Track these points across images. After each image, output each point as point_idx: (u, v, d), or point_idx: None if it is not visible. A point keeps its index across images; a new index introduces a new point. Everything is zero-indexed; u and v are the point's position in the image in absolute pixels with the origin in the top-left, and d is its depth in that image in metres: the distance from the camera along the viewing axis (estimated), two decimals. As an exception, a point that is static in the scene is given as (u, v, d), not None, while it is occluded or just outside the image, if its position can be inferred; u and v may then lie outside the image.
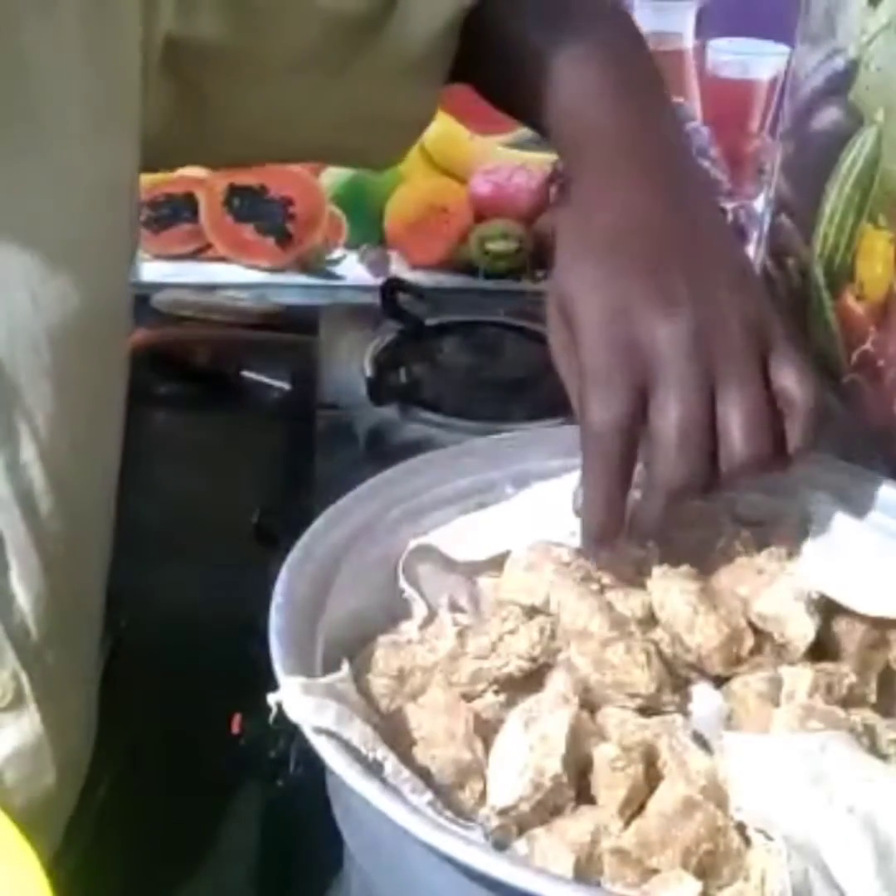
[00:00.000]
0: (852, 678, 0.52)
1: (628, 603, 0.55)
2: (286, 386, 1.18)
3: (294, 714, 0.46)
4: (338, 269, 1.35)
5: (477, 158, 1.30)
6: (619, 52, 0.66)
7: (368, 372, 1.08)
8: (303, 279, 1.35)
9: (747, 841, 0.46)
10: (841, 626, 0.55)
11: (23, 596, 0.61)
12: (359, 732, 0.46)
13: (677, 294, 0.53)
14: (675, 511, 0.54)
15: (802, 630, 0.53)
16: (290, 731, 0.47)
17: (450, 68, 0.73)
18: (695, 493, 0.52)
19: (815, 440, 0.53)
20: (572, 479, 0.55)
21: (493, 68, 0.70)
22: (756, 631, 0.54)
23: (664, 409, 0.51)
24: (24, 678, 0.62)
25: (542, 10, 0.68)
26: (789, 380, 0.53)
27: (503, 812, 0.47)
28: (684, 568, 0.58)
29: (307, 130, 0.73)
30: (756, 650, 0.53)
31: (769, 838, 0.44)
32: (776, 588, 0.54)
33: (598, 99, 0.62)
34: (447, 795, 0.48)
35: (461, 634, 0.53)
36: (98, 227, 0.61)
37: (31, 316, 0.57)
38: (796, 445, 0.53)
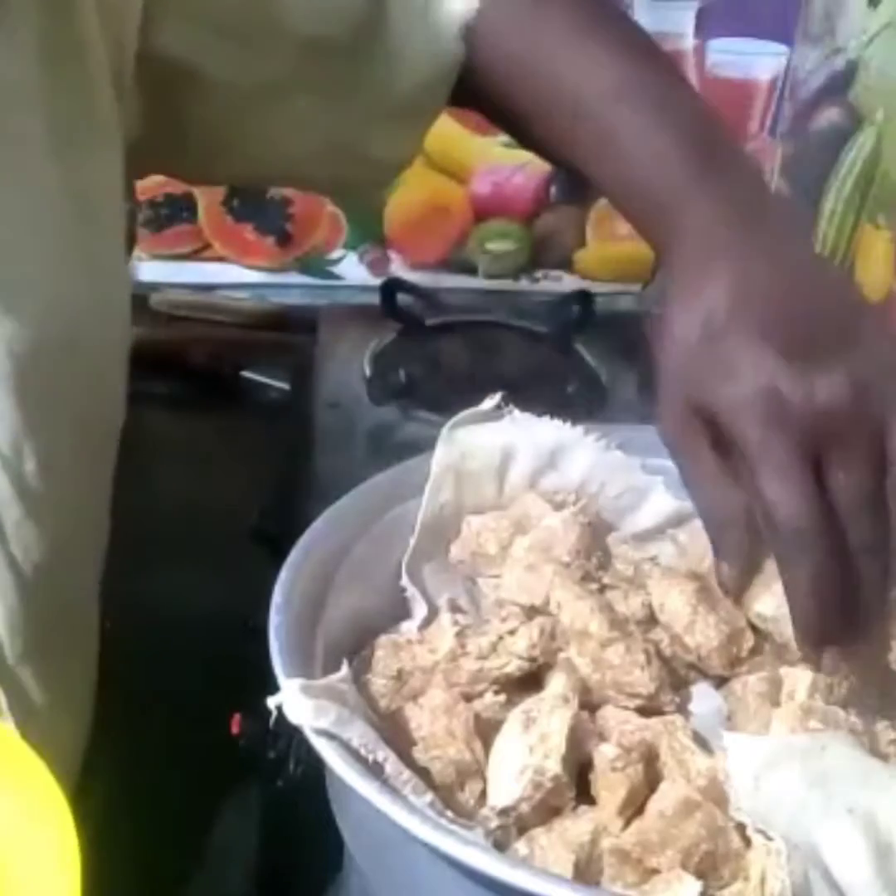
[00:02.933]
0: (852, 678, 0.52)
1: (628, 603, 0.55)
2: (286, 386, 1.18)
3: (294, 716, 0.46)
4: (338, 269, 1.35)
5: (477, 158, 1.30)
6: (667, 83, 0.63)
7: (368, 372, 1.08)
8: (303, 279, 1.35)
9: (747, 841, 0.46)
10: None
11: None
12: (359, 734, 0.46)
13: (820, 358, 0.51)
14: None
15: None
16: (289, 731, 0.47)
17: (437, 113, 0.72)
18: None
19: None
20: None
21: (514, 110, 0.68)
22: (756, 631, 0.54)
23: (847, 474, 0.50)
24: (0, 695, 0.61)
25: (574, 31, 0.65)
26: None
27: (503, 812, 0.47)
28: (684, 568, 0.58)
29: (283, 158, 0.72)
30: (756, 650, 0.53)
31: (769, 838, 0.44)
32: (776, 588, 0.54)
33: (669, 160, 0.59)
34: (447, 796, 0.48)
35: (461, 634, 0.53)
36: (73, 240, 0.60)
37: None
38: None
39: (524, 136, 0.70)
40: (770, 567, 0.56)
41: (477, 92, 0.69)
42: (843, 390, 0.50)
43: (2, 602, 0.60)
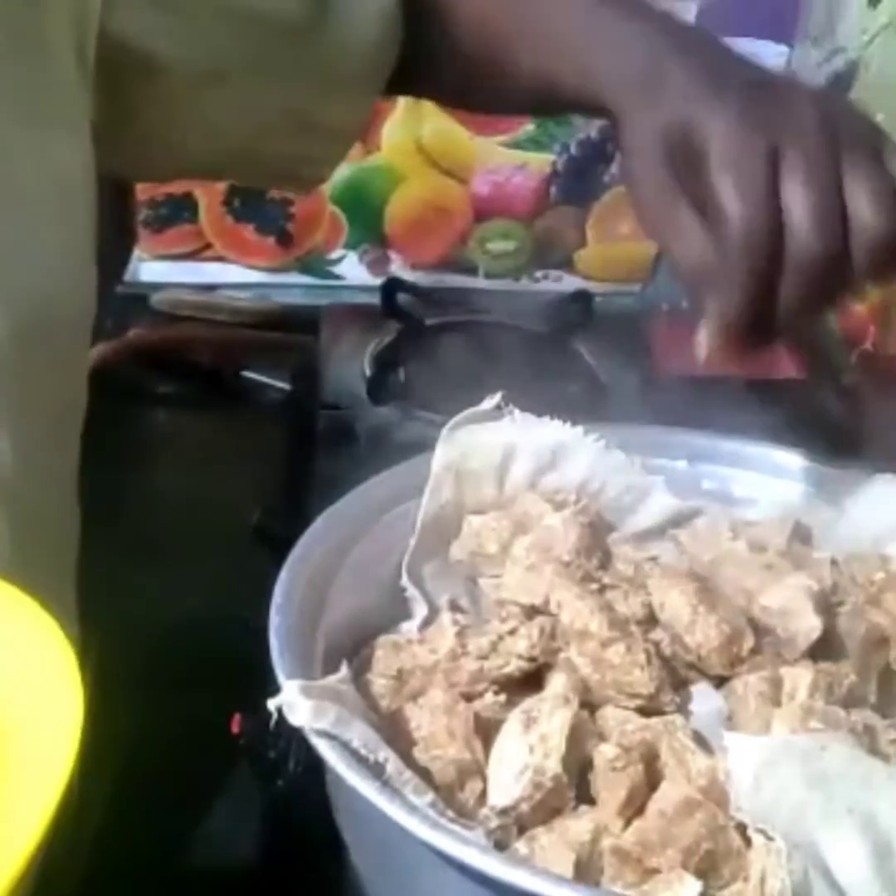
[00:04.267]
0: (852, 678, 0.52)
1: (628, 603, 0.55)
2: (286, 386, 1.17)
3: (294, 717, 0.46)
4: (338, 269, 1.35)
5: (477, 158, 1.30)
6: None
7: (368, 372, 1.08)
8: (303, 279, 1.35)
9: (747, 841, 0.46)
10: (842, 625, 0.55)
11: None
12: (359, 734, 0.46)
13: (775, 96, 0.53)
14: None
15: (808, 626, 0.53)
16: (289, 731, 0.47)
17: (388, 76, 0.71)
18: (829, 272, 0.50)
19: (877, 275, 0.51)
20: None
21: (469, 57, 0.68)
22: (756, 628, 0.54)
23: (799, 183, 0.50)
24: None
25: None
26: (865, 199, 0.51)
27: (503, 812, 0.47)
28: (684, 568, 0.58)
29: (235, 140, 0.71)
30: (756, 650, 0.53)
31: (769, 838, 0.44)
32: (786, 583, 0.55)
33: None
34: (447, 796, 0.48)
35: (461, 634, 0.53)
36: (40, 229, 0.59)
37: None
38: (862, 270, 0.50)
39: (462, 81, 0.70)
40: (780, 564, 0.56)
41: (422, 35, 0.69)
42: (808, 111, 0.52)
43: None
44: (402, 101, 1.26)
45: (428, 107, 1.25)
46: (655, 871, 0.46)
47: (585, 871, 0.46)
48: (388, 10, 0.68)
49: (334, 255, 1.34)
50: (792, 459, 0.65)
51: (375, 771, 0.46)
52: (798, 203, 0.50)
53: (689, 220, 0.52)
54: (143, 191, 1.28)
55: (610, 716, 0.51)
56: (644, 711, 0.51)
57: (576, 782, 0.48)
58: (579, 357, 1.13)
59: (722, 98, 0.53)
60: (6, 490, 0.60)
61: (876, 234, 0.50)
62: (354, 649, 0.54)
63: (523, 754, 0.48)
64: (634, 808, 0.47)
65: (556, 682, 0.51)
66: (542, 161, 1.30)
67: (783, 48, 1.25)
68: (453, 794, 0.48)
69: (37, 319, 0.59)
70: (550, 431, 0.61)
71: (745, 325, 0.51)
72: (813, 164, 0.50)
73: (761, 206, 0.50)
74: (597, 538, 0.59)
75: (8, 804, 0.37)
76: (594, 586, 0.56)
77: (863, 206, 0.50)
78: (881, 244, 0.50)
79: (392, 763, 0.46)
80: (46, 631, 0.43)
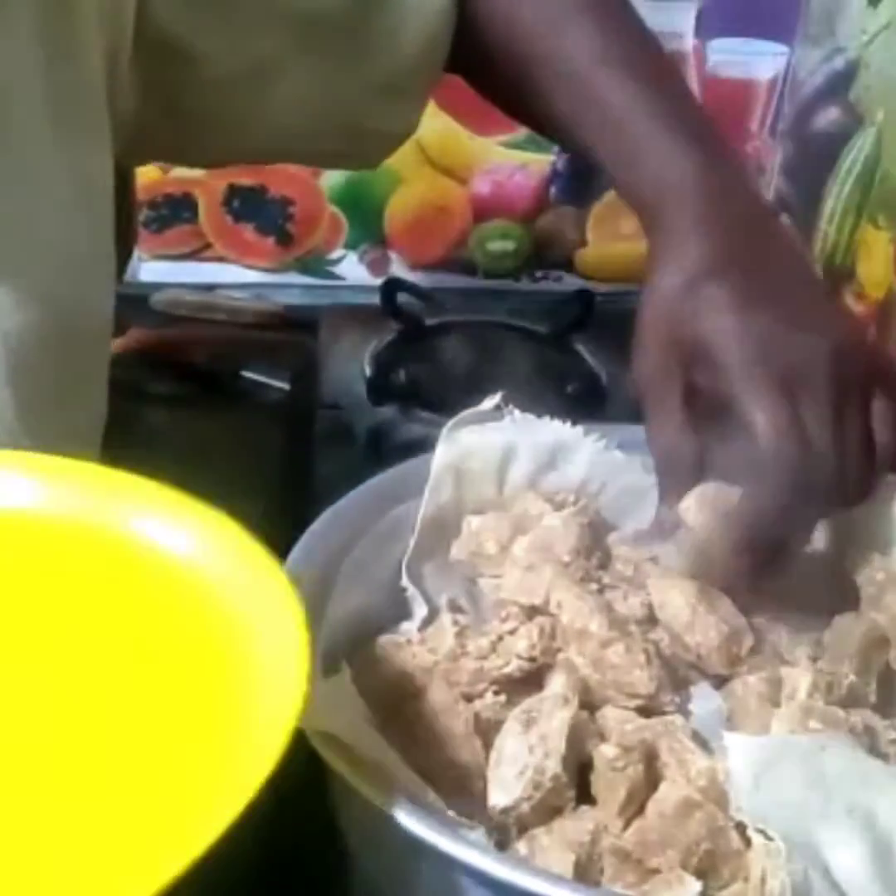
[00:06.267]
0: (852, 678, 0.52)
1: (628, 603, 0.55)
2: (286, 386, 1.17)
3: (294, 717, 0.46)
4: (338, 269, 1.35)
5: (477, 158, 1.30)
6: (650, 58, 0.66)
7: (368, 372, 1.08)
8: (303, 279, 1.35)
9: (747, 841, 0.46)
10: (841, 626, 0.55)
11: None
12: (359, 734, 0.46)
13: (812, 317, 0.56)
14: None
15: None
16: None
17: (436, 82, 0.72)
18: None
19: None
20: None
21: (509, 73, 0.69)
22: (754, 627, 0.54)
23: (822, 421, 0.53)
24: None
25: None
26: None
27: (503, 812, 0.47)
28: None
29: (280, 136, 0.72)
30: (756, 650, 0.53)
31: (769, 838, 0.44)
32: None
33: (661, 138, 0.62)
34: (447, 796, 0.48)
35: (461, 634, 0.53)
36: (70, 230, 0.60)
37: None
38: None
39: (510, 101, 0.71)
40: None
41: (469, 56, 0.70)
42: (820, 348, 0.54)
43: None
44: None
45: (428, 107, 1.25)
46: (655, 871, 0.46)
47: (585, 871, 0.46)
48: (433, 22, 0.68)
49: (334, 255, 1.34)
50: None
51: (375, 771, 0.46)
52: (818, 434, 0.53)
53: (677, 412, 0.56)
54: (143, 191, 1.28)
55: (610, 716, 0.51)
56: (644, 711, 0.51)
57: (576, 782, 0.48)
58: (579, 357, 1.13)
59: (747, 326, 0.55)
60: None
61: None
62: (354, 649, 0.54)
63: (523, 754, 0.48)
64: (634, 808, 0.47)
65: (556, 682, 0.51)
66: (541, 161, 1.30)
67: (783, 48, 1.25)
68: (453, 794, 0.48)
69: (66, 324, 0.59)
70: (550, 431, 0.61)
71: (773, 537, 0.54)
72: (825, 404, 0.54)
73: (789, 423, 0.53)
74: (596, 538, 0.59)
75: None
76: (594, 586, 0.56)
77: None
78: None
79: (392, 763, 0.46)
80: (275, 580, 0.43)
